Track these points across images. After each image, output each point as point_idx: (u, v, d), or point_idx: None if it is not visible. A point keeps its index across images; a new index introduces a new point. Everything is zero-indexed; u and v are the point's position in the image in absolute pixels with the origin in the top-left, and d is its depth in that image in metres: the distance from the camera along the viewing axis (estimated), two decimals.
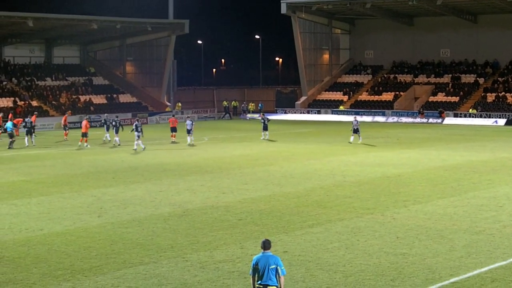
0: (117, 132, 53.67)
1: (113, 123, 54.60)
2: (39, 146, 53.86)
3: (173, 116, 61.22)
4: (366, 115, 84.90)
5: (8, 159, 45.36)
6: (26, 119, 56.31)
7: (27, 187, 33.30)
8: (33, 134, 55.33)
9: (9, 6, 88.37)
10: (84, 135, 52.66)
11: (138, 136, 50.03)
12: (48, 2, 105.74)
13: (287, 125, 75.99)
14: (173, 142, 55.39)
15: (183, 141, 54.73)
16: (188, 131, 53.29)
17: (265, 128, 57.91)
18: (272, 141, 56.86)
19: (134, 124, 51.23)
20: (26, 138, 54.09)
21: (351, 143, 53.07)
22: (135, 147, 49.99)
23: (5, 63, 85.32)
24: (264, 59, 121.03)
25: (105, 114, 64.40)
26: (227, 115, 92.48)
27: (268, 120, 59.38)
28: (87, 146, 52.23)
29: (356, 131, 54.01)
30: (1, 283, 17.89)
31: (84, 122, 53.61)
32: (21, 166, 41.63)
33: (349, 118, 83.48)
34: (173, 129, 56.33)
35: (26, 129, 54.63)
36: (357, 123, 54.50)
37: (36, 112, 68.46)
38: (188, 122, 53.80)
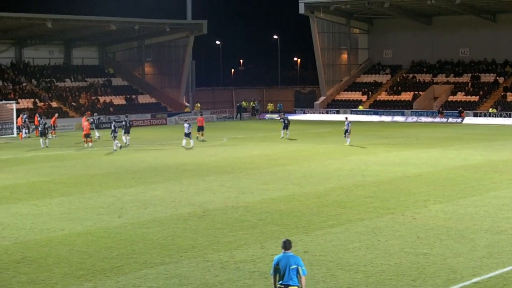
0: (127, 132, 53.87)
1: (123, 122, 55.11)
2: (59, 146, 54.05)
3: (201, 115, 62.49)
4: (385, 115, 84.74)
5: (28, 160, 45.60)
6: (41, 120, 56.52)
7: (48, 188, 33.46)
8: (48, 135, 55.54)
9: (28, 7, 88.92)
10: (87, 135, 53.12)
11: (115, 137, 50.51)
12: (67, 4, 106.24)
13: (306, 125, 75.89)
14: (202, 140, 56.63)
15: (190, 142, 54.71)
16: (186, 135, 52.19)
17: (285, 127, 58.67)
18: (293, 140, 57.00)
19: (112, 125, 51.68)
20: (41, 140, 54.22)
21: (347, 145, 52.22)
22: (114, 147, 50.30)
23: (24, 65, 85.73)
24: (283, 59, 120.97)
25: (95, 114, 66.21)
26: (238, 114, 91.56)
27: (288, 120, 59.77)
28: (91, 146, 52.75)
29: (345, 132, 52.96)
30: (23, 283, 18.00)
31: (87, 124, 54.15)
32: (41, 166, 41.83)
33: (369, 118, 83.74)
34: (200, 128, 57.73)
35: (40, 131, 54.81)
36: (347, 124, 53.12)
37: (57, 114, 68.82)
38: (186, 125, 52.59)
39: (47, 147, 53.20)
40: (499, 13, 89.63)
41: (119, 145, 50.49)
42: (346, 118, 55.42)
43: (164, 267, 19.30)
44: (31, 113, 70.74)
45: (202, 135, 57.80)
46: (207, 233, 23.23)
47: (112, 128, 51.16)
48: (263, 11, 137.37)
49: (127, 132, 53.92)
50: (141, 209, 27.69)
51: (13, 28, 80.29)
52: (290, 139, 57.59)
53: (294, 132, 62.12)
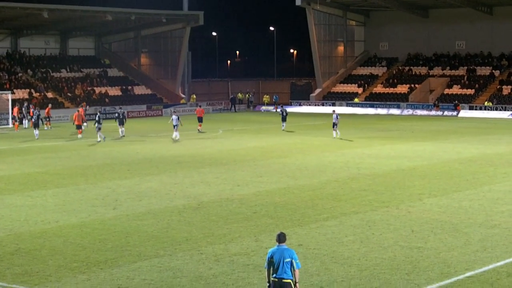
0: (121, 123, 53.76)
1: (116, 114, 55.54)
2: (54, 137, 53.96)
3: (200, 106, 63.44)
4: (381, 107, 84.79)
5: (23, 151, 45.55)
6: (35, 111, 56.14)
7: (43, 179, 33.44)
8: (44, 126, 55.27)
9: None
10: (79, 127, 53.22)
11: (99, 128, 50.49)
12: None
13: (301, 118, 75.88)
14: (199, 132, 57.36)
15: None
16: (174, 127, 51.44)
17: (284, 119, 59.22)
18: (289, 132, 57.06)
19: (96, 116, 51.86)
20: (35, 131, 53.87)
21: (335, 138, 51.76)
22: (98, 139, 50.23)
23: (20, 55, 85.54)
24: (279, 51, 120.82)
25: (83, 104, 67.33)
26: (232, 106, 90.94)
27: (287, 112, 60.27)
28: (80, 137, 52.80)
29: (333, 125, 52.25)
30: (17, 275, 17.99)
31: (76, 114, 54.13)
32: (36, 157, 41.79)
33: (365, 110, 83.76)
34: (200, 119, 58.72)
35: (34, 122, 54.42)
36: (336, 117, 52.42)
37: (50, 104, 68.71)
38: (174, 117, 51.97)
39: (37, 139, 52.89)
40: (495, 6, 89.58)
41: (103, 136, 50.43)
42: (334, 111, 54.96)
43: (158, 259, 19.31)
44: (28, 103, 70.69)
45: (200, 126, 58.36)
46: (201, 226, 23.24)
47: (96, 119, 51.14)
48: (260, 3, 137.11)
49: (121, 123, 53.80)
50: (135, 201, 27.69)
51: (9, 18, 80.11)
52: (287, 131, 57.69)
53: (290, 124, 62.16)
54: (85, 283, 17.37)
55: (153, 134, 56.35)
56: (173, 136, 51.57)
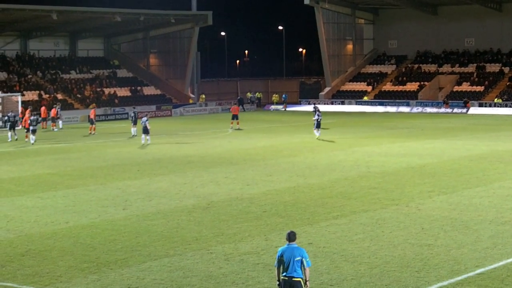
0: (135, 123, 54.04)
1: (132, 114, 56.10)
2: (64, 138, 54.05)
3: (235, 104, 66.69)
4: (390, 105, 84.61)
5: (33, 152, 45.65)
6: (9, 114, 55.38)
7: (53, 180, 33.50)
8: (15, 128, 54.73)
9: None
10: (28, 130, 52.22)
11: (34, 131, 50.54)
12: None
13: (311, 116, 75.63)
14: (237, 129, 58.93)
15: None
16: (145, 130, 49.16)
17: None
18: (325, 129, 55.33)
19: (29, 119, 51.74)
20: (9, 133, 53.17)
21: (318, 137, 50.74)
22: (31, 141, 50.20)
23: (30, 57, 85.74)
24: (288, 50, 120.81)
25: (58, 103, 68.68)
26: (241, 106, 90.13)
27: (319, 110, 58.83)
28: (27, 141, 51.98)
29: (317, 125, 51.08)
30: (28, 276, 18.04)
31: (26, 117, 53.96)
32: (46, 158, 41.88)
33: (374, 108, 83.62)
34: (235, 117, 60.45)
35: (9, 123, 53.44)
36: (318, 116, 51.28)
37: (55, 105, 68.70)
38: (144, 119, 49.62)
39: (16, 140, 52.47)
40: (504, 3, 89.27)
41: (32, 141, 50.13)
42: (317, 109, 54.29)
43: (169, 259, 19.34)
44: (36, 105, 70.83)
45: (238, 123, 60.03)
46: (211, 225, 23.25)
47: (29, 122, 51.07)
48: (268, 2, 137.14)
49: (135, 123, 54.19)
50: (145, 201, 27.73)
51: (18, 20, 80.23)
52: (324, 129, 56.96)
53: (299, 123, 62.11)
54: (95, 283, 17.42)
55: (163, 135, 56.37)
56: (143, 139, 49.53)
